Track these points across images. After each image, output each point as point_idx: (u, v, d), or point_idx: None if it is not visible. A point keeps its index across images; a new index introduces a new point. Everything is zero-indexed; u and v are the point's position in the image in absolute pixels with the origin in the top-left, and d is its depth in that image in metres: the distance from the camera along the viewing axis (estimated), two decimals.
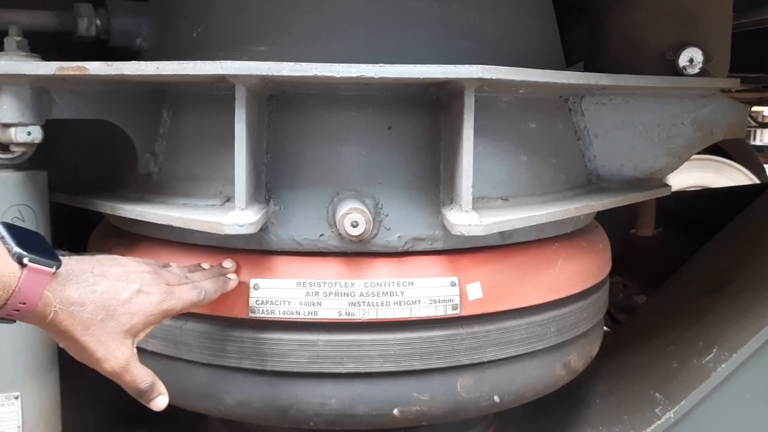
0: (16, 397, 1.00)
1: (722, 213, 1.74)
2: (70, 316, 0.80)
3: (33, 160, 1.03)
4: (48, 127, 1.00)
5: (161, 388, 0.89)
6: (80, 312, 0.80)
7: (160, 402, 0.89)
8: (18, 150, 0.97)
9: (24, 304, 0.76)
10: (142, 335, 0.88)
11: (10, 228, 0.78)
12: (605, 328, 1.94)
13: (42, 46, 1.05)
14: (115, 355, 0.83)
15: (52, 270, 0.77)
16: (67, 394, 1.08)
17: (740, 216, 1.69)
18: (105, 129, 1.09)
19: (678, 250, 1.81)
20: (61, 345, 0.84)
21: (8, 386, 0.99)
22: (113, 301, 0.83)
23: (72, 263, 0.82)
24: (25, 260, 0.75)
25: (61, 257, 0.81)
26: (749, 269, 1.49)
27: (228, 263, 1.01)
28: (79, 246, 1.26)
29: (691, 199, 2.13)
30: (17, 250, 0.75)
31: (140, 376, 0.86)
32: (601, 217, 1.36)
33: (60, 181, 1.16)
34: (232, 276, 1.00)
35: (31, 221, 0.99)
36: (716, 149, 3.62)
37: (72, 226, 1.31)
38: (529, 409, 1.45)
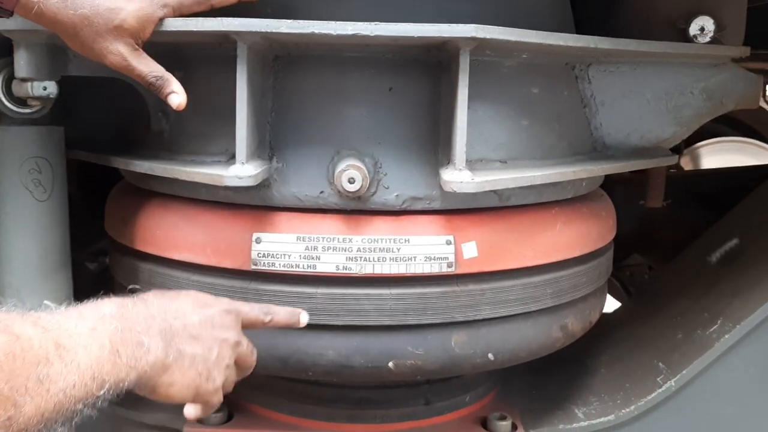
0: None
1: (736, 190, 1.73)
2: (57, 10, 0.86)
3: (52, 117, 1.08)
4: (67, 86, 1.06)
5: (174, 85, 0.95)
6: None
7: (173, 100, 0.95)
8: (35, 104, 1.02)
9: None
10: (144, 35, 0.92)
11: None
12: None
13: None
14: (111, 51, 0.90)
15: None
16: None
17: (754, 192, 1.67)
18: (122, 89, 1.14)
19: (692, 225, 1.80)
20: (69, 45, 0.91)
21: None
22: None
23: None
24: None
25: None
26: (760, 244, 1.48)
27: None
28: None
29: (705, 176, 2.12)
30: None
31: (145, 71, 0.93)
32: (615, 192, 1.37)
33: (80, 139, 1.22)
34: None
35: (47, 173, 1.05)
36: (754, 133, 3.55)
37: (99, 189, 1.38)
38: (533, 376, 1.47)
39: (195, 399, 0.85)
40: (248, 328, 0.95)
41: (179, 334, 0.82)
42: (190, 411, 0.88)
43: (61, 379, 0.64)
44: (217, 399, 0.88)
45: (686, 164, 3.15)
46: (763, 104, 2.89)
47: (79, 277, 1.21)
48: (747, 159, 3.68)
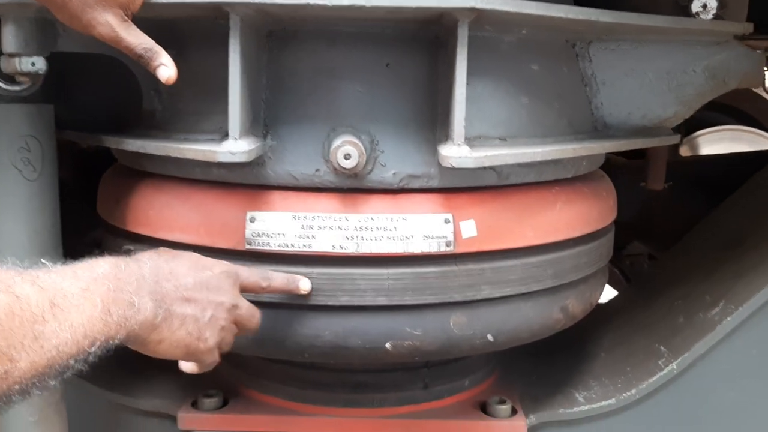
0: None
1: (737, 176, 1.71)
2: None
3: (42, 95, 1.06)
4: (58, 65, 1.03)
5: (163, 58, 0.92)
6: None
7: (163, 72, 0.92)
8: (24, 81, 1.00)
9: None
10: (134, 6, 0.91)
11: None
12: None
13: None
14: (100, 21, 0.87)
15: None
16: None
17: (754, 177, 1.65)
18: (114, 69, 1.11)
19: (693, 211, 1.78)
20: (58, 17, 0.89)
21: None
22: None
23: None
24: None
25: None
26: (764, 227, 1.46)
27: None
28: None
29: (706, 162, 2.10)
30: None
31: (134, 42, 0.90)
32: (616, 178, 1.34)
33: (71, 119, 1.20)
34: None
35: (37, 152, 1.03)
36: (754, 122, 3.55)
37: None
38: (533, 360, 1.46)
39: (186, 357, 0.89)
40: (247, 292, 0.97)
41: (170, 295, 0.84)
42: (185, 367, 0.95)
43: (54, 336, 0.67)
44: (211, 358, 0.92)
45: (684, 153, 3.15)
46: (762, 93, 2.87)
47: None
48: (745, 148, 3.66)
